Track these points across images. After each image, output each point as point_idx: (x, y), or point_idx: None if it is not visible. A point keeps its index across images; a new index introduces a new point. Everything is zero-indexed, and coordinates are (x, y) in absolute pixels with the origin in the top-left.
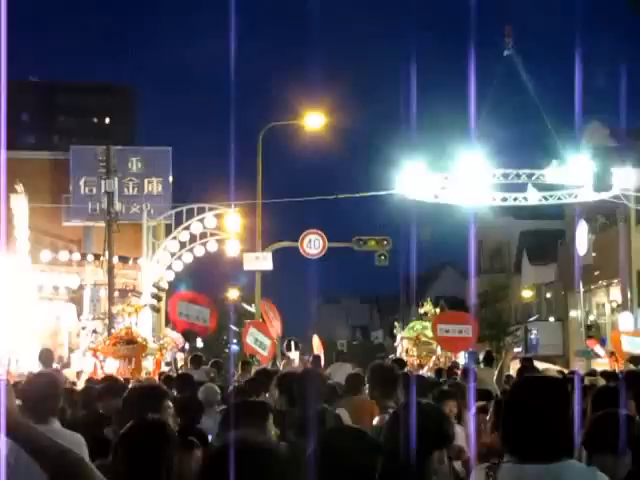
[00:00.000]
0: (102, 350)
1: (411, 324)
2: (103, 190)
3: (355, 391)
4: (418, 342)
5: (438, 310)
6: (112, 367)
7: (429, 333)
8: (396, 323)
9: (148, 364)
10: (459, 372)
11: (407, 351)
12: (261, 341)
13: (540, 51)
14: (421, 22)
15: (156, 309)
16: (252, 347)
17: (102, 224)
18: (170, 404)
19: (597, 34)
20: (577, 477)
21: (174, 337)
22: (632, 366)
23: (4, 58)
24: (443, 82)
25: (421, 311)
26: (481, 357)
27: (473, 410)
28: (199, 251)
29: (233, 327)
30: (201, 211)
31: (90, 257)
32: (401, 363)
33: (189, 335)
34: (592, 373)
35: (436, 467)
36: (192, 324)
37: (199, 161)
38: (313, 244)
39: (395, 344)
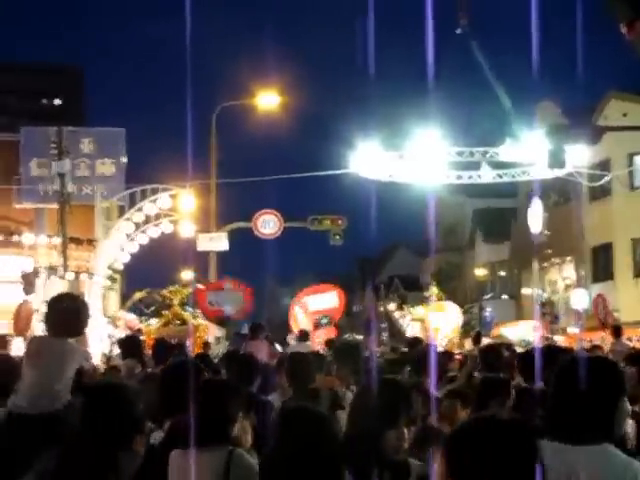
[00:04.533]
0: (153, 331)
1: (416, 307)
2: (55, 172)
3: (318, 369)
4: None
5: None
6: None
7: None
8: (409, 307)
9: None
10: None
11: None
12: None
13: (494, 29)
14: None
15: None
16: (215, 309)
17: (54, 206)
18: None
19: (550, 13)
20: (618, 463)
21: (129, 319)
22: None
23: None
24: (398, 60)
25: (426, 294)
26: None
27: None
28: (153, 232)
29: (189, 309)
30: (155, 192)
31: (43, 239)
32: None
33: (224, 322)
34: None
35: (394, 444)
36: (223, 310)
37: (153, 142)
38: (268, 224)
39: (406, 324)
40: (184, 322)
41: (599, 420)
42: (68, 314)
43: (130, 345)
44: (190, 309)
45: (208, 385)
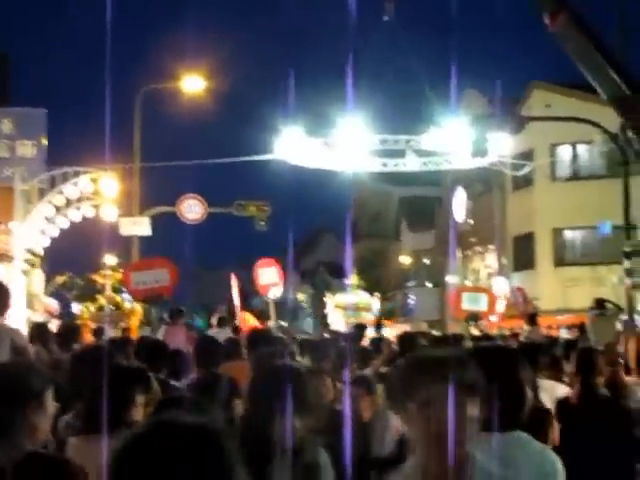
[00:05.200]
0: (88, 316)
1: (337, 295)
2: None
3: (233, 355)
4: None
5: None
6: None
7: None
8: (329, 293)
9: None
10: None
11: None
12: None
13: (421, 18)
14: None
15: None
16: (142, 289)
17: None
18: None
19: (479, 2)
20: (527, 450)
21: (48, 304)
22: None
23: None
24: (323, 46)
25: (347, 282)
26: None
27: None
28: (75, 216)
29: (124, 294)
30: (76, 175)
31: None
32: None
33: (153, 301)
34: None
35: (278, 436)
36: (151, 289)
37: (76, 124)
38: (192, 209)
39: (325, 311)
40: (118, 307)
41: (508, 408)
42: None
43: (36, 332)
44: (124, 294)
45: (108, 370)
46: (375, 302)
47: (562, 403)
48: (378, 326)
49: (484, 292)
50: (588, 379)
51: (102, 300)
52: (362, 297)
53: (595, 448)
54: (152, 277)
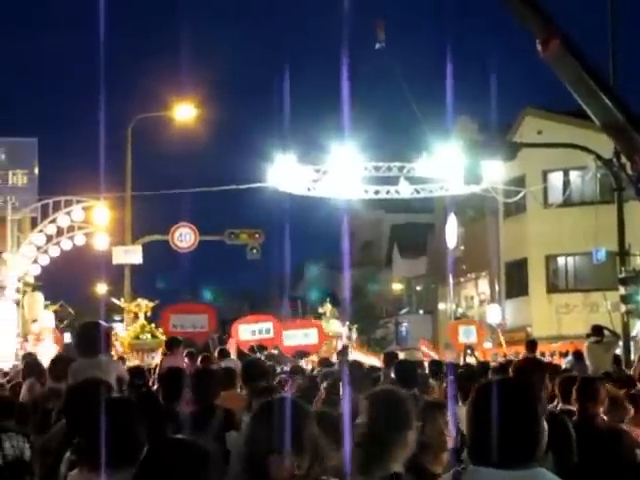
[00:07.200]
0: (127, 344)
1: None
2: None
3: (228, 386)
4: None
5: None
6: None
7: (331, 328)
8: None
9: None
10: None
11: None
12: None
13: (411, 44)
14: (293, 16)
15: (19, 304)
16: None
17: None
18: None
19: (470, 31)
20: None
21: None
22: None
23: None
24: (316, 75)
25: (320, 310)
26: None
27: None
28: (66, 245)
29: (103, 323)
30: (68, 204)
31: None
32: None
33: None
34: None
35: (275, 474)
36: (186, 333)
37: (68, 153)
38: (184, 237)
39: None
40: (153, 335)
41: (524, 443)
42: None
43: (29, 366)
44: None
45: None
46: (345, 330)
47: None
48: (343, 351)
49: (474, 324)
50: (588, 408)
51: (138, 329)
52: (334, 326)
53: (600, 477)
54: (191, 322)
